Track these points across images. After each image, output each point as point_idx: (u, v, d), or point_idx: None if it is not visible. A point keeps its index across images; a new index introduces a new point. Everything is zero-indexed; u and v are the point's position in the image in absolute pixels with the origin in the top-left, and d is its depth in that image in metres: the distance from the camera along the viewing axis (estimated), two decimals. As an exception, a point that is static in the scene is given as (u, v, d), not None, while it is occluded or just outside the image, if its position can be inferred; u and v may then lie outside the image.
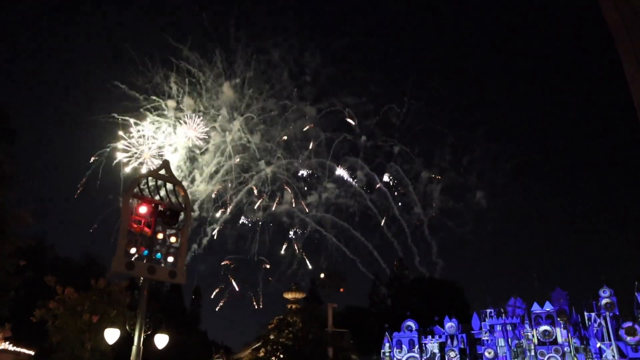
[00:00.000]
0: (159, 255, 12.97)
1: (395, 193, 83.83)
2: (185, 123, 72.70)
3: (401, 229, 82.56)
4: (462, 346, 52.57)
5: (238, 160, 77.49)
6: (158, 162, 64.94)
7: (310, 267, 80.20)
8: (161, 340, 13.21)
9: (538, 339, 48.40)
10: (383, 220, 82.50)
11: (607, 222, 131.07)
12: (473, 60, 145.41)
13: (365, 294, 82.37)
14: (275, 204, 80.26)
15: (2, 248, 21.02)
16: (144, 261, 12.67)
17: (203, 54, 77.06)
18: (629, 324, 45.03)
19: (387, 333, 55.90)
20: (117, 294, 19.54)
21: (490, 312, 51.97)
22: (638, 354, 44.35)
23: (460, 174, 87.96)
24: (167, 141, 71.08)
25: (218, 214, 77.36)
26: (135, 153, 67.53)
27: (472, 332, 53.25)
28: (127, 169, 67.20)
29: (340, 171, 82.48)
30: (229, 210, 77.73)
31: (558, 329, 47.91)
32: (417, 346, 54.08)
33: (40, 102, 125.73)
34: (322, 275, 39.19)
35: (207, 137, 74.30)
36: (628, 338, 44.72)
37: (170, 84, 73.66)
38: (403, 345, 54.66)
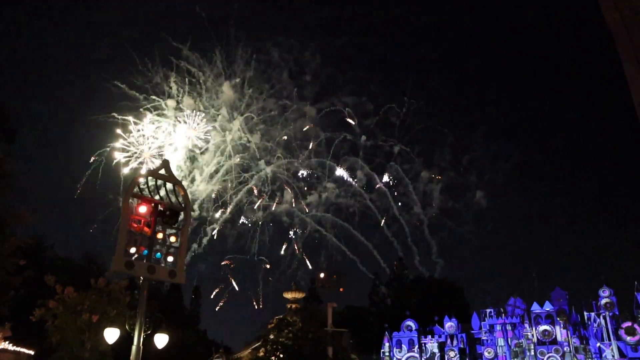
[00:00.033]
0: (158, 254, 12.98)
1: (395, 193, 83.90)
2: (185, 123, 72.77)
3: (401, 228, 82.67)
4: (461, 346, 52.59)
5: (238, 160, 77.55)
6: (158, 161, 64.96)
7: (310, 267, 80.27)
8: (161, 340, 13.22)
9: (538, 339, 48.42)
10: (383, 220, 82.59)
11: (607, 222, 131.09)
12: (473, 60, 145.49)
13: (365, 293, 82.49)
14: (275, 203, 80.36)
15: (1, 247, 21.02)
16: (144, 261, 12.67)
17: (203, 53, 77.17)
18: (628, 323, 45.05)
19: (386, 333, 55.91)
20: (117, 293, 19.53)
21: (490, 312, 51.99)
22: (638, 353, 44.38)
23: (460, 174, 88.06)
24: (167, 141, 71.12)
25: (218, 214, 77.45)
26: (135, 153, 67.57)
27: (472, 331, 53.27)
28: (127, 169, 67.26)
29: (340, 171, 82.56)
30: (229, 210, 77.79)
31: (558, 329, 47.94)
32: (416, 346, 54.09)
33: (40, 102, 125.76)
34: (321, 275, 39.17)
35: (207, 136, 74.36)
36: (628, 338, 44.74)
37: (170, 84, 73.75)
38: (403, 345, 54.67)
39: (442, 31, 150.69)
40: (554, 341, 47.78)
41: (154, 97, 72.38)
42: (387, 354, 54.93)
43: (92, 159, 70.07)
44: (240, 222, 79.68)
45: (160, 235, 13.16)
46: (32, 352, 33.24)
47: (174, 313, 53.45)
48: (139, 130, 67.94)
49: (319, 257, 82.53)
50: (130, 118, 67.92)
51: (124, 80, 72.91)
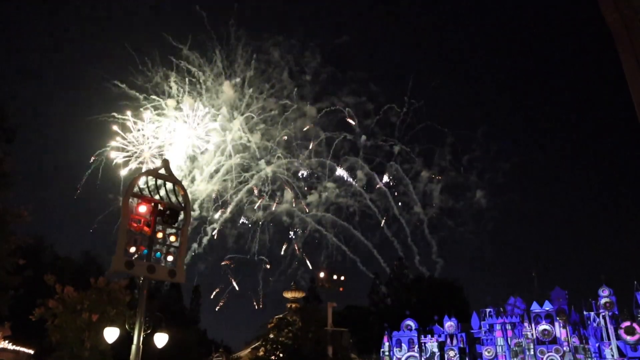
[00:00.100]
0: (158, 254, 12.97)
1: (396, 193, 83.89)
2: (185, 122, 72.75)
3: (401, 228, 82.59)
4: (461, 345, 52.63)
5: (238, 159, 77.54)
6: (158, 161, 64.98)
7: (310, 266, 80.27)
8: (160, 339, 13.22)
9: (537, 338, 48.45)
10: (383, 220, 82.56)
11: (607, 222, 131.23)
12: (473, 60, 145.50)
13: (365, 293, 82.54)
14: (275, 203, 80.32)
15: (1, 247, 21.00)
16: (144, 260, 12.68)
17: (203, 53, 77.06)
18: (627, 323, 45.08)
19: (386, 332, 55.96)
20: (117, 293, 19.52)
21: (490, 312, 52.03)
22: (637, 353, 44.42)
23: (460, 174, 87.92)
24: (167, 140, 71.12)
25: (218, 214, 77.42)
26: (135, 152, 67.58)
27: (472, 331, 53.30)
28: (127, 169, 67.26)
29: (340, 171, 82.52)
30: (229, 209, 77.77)
31: (557, 328, 47.97)
32: (416, 345, 54.13)
33: (40, 101, 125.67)
34: (321, 275, 39.19)
35: (207, 136, 74.36)
36: (627, 337, 44.77)
37: (170, 84, 73.66)
38: (403, 345, 54.71)
39: (442, 31, 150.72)
40: (554, 340, 47.81)
41: (154, 96, 72.36)
42: (387, 353, 54.97)
43: (92, 159, 70.07)
44: (241, 221, 79.70)
45: (160, 235, 13.15)
46: (31, 352, 33.30)
47: (174, 313, 53.48)
48: (139, 130, 67.99)
49: (319, 256, 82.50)
50: (130, 118, 67.96)
51: (124, 80, 72.93)
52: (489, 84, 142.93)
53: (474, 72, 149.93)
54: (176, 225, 13.58)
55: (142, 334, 12.24)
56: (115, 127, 67.11)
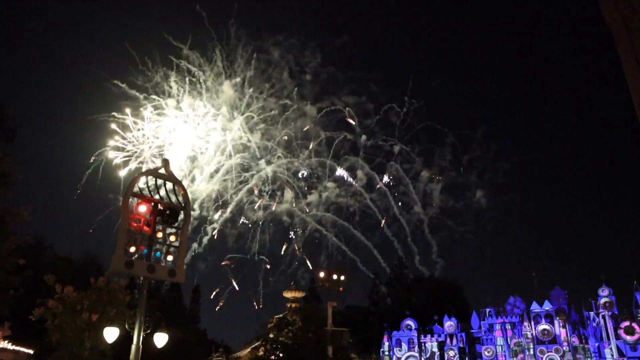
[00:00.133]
0: (158, 254, 12.97)
1: (396, 193, 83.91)
2: (186, 122, 72.75)
3: (401, 228, 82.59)
4: (461, 345, 52.64)
5: (238, 159, 77.52)
6: (158, 161, 64.97)
7: (310, 266, 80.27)
8: (160, 339, 13.22)
9: (537, 338, 48.46)
10: (383, 220, 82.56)
11: (607, 222, 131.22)
12: (473, 60, 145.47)
13: (365, 293, 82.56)
14: (275, 203, 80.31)
15: (1, 246, 21.00)
16: (144, 260, 12.67)
17: (203, 53, 77.03)
18: (627, 323, 45.10)
19: (386, 332, 55.98)
20: (117, 292, 19.51)
21: (490, 311, 52.06)
22: (637, 352, 44.42)
23: (460, 174, 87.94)
24: (167, 140, 71.11)
25: (218, 214, 77.40)
26: (136, 152, 67.58)
27: (472, 331, 53.33)
28: (127, 169, 67.24)
29: (341, 171, 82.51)
30: (229, 209, 77.75)
31: (557, 328, 47.98)
32: (416, 345, 54.14)
33: (41, 101, 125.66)
34: (321, 275, 39.16)
35: (207, 136, 74.36)
36: (627, 337, 44.78)
37: (171, 83, 73.62)
38: (403, 344, 54.73)
39: (442, 31, 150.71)
40: (554, 340, 47.82)
41: (154, 96, 72.30)
42: (387, 353, 54.99)
43: (92, 158, 70.06)
44: (241, 221, 79.68)
45: (160, 235, 13.16)
46: (31, 351, 33.31)
47: (174, 312, 53.46)
48: (139, 130, 67.99)
49: (319, 256, 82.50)
50: (131, 117, 67.94)
51: (124, 80, 72.91)
52: (489, 84, 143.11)
53: (474, 72, 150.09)
54: (176, 225, 13.58)
55: (142, 333, 12.24)
56: (115, 127, 67.17)
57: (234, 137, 76.79)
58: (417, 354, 53.83)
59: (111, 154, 67.38)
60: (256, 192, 79.02)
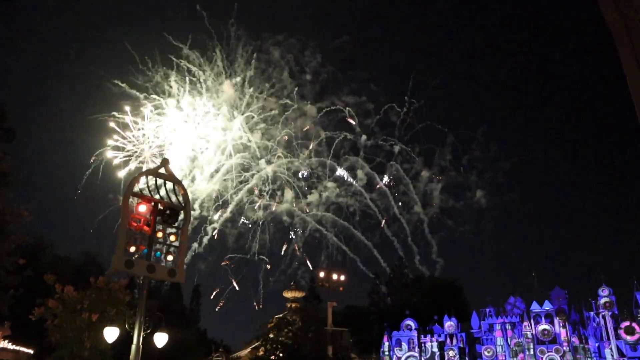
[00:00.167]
0: (158, 253, 12.97)
1: (396, 193, 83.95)
2: (186, 122, 72.77)
3: (401, 228, 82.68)
4: (461, 345, 52.64)
5: (238, 159, 77.53)
6: (158, 161, 64.92)
7: (310, 266, 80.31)
8: (160, 339, 13.22)
9: (537, 338, 48.46)
10: (383, 220, 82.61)
11: (607, 222, 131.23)
12: (473, 60, 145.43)
13: (365, 293, 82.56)
14: (275, 203, 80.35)
15: (1, 246, 21.01)
16: (144, 260, 12.67)
17: (203, 52, 77.10)
18: (627, 323, 45.08)
19: (386, 332, 55.97)
20: (117, 292, 19.50)
21: (490, 311, 52.06)
22: (637, 352, 44.42)
23: (460, 174, 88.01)
24: (168, 140, 71.13)
25: (218, 213, 77.45)
26: (136, 152, 67.61)
27: (472, 331, 53.33)
28: (127, 169, 67.27)
29: (341, 170, 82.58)
30: (229, 209, 77.78)
31: (557, 328, 47.98)
32: (416, 345, 54.14)
33: (41, 101, 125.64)
34: (321, 274, 39.17)
35: (207, 135, 74.38)
36: (627, 337, 44.77)
37: (171, 83, 73.69)
38: (403, 344, 54.73)
39: (442, 31, 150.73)
40: (554, 340, 47.82)
41: (154, 96, 72.41)
42: (387, 353, 54.99)
43: (92, 158, 70.12)
44: (241, 221, 79.74)
45: (160, 234, 13.16)
46: (31, 351, 33.33)
47: (174, 312, 53.47)
48: (139, 130, 68.02)
49: (319, 256, 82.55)
50: (131, 117, 67.96)
51: (124, 80, 72.96)
52: (489, 84, 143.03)
53: (474, 72, 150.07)
54: (176, 224, 13.58)
55: (142, 333, 12.23)
56: (115, 127, 67.20)
57: (234, 137, 76.88)
58: (417, 354, 53.83)
59: (111, 154, 67.51)
60: (256, 192, 79.12)
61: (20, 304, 21.38)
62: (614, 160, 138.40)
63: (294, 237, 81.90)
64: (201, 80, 75.81)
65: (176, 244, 13.38)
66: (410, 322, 55.55)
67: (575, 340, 46.88)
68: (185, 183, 25.25)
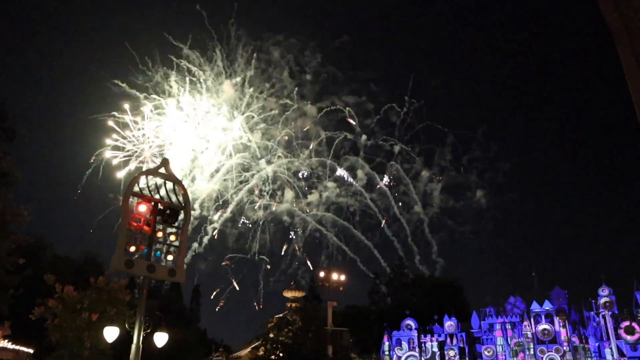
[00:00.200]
0: (158, 253, 12.96)
1: (396, 193, 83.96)
2: (186, 122, 72.77)
3: (401, 228, 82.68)
4: (461, 345, 52.66)
5: (239, 159, 77.53)
6: (158, 160, 64.93)
7: (310, 266, 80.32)
8: (160, 339, 13.22)
9: (537, 338, 48.47)
10: (383, 220, 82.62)
11: (607, 222, 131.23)
12: (473, 60, 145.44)
13: (365, 293, 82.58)
14: (275, 203, 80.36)
15: (1, 246, 21.01)
16: (144, 259, 12.67)
17: (203, 52, 77.09)
18: (627, 322, 45.09)
19: (386, 332, 55.98)
20: (117, 292, 19.50)
21: (490, 311, 52.07)
22: (637, 352, 44.43)
23: (460, 174, 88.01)
24: (168, 140, 71.14)
25: (218, 213, 77.45)
26: (136, 152, 67.63)
27: (472, 330, 53.34)
28: (127, 168, 67.29)
29: (341, 170, 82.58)
30: (229, 209, 77.79)
31: (557, 328, 47.99)
32: (416, 345, 54.16)
33: (41, 101, 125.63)
34: (321, 274, 39.16)
35: (207, 135, 74.39)
36: (627, 337, 44.78)
37: (171, 83, 73.68)
38: (403, 344, 54.74)
39: (442, 31, 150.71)
40: (554, 340, 47.84)
41: (154, 96, 72.41)
42: (387, 353, 55.00)
43: (92, 158, 70.13)
44: (241, 221, 79.74)
45: (160, 234, 13.15)
46: (31, 351, 33.34)
47: (174, 312, 53.47)
48: (139, 129, 68.03)
49: (319, 256, 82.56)
50: (131, 117, 67.97)
51: (124, 80, 72.97)
52: (489, 84, 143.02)
53: (474, 72, 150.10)
54: (176, 224, 13.57)
55: (142, 333, 12.23)
56: (115, 127, 67.21)
57: (234, 137, 76.88)
58: (417, 354, 53.84)
59: (111, 154, 67.52)
60: (256, 192, 79.11)
61: (20, 303, 21.38)
62: (614, 160, 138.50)
63: (294, 237, 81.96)
64: (201, 80, 75.86)
65: (176, 243, 13.37)
66: (410, 322, 55.56)
67: (575, 340, 46.89)
68: (185, 183, 25.27)
